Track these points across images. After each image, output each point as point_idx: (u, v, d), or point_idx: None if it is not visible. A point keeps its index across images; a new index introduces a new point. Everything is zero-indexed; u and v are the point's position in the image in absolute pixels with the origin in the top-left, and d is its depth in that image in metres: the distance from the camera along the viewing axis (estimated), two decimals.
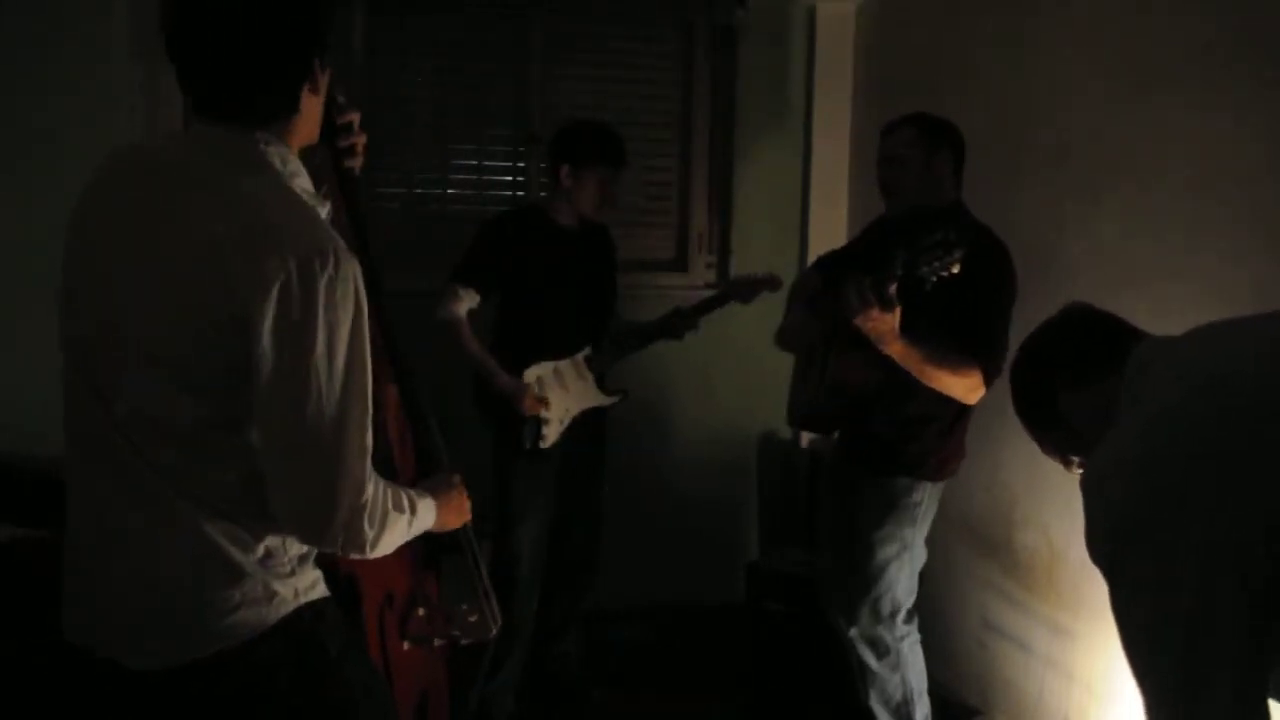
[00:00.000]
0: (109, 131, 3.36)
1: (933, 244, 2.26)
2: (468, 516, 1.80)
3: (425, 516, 1.59)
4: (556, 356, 3.14)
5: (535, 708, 3.32)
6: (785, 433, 4.17)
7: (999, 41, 3.17)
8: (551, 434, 3.12)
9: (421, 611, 1.93)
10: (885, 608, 2.70)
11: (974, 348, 2.49)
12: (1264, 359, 1.40)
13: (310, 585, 1.51)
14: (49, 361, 3.53)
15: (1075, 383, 1.58)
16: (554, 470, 3.18)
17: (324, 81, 1.49)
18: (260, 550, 1.44)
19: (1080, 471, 1.58)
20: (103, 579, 1.47)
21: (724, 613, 3.69)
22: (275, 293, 1.32)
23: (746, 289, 3.31)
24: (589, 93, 3.97)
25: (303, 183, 1.48)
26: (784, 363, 4.28)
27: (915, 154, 2.65)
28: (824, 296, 2.76)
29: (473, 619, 1.98)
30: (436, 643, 1.98)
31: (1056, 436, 1.65)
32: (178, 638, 1.43)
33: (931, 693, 2.83)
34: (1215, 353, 1.45)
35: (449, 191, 4.02)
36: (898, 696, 2.75)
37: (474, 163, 4.04)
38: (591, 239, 3.24)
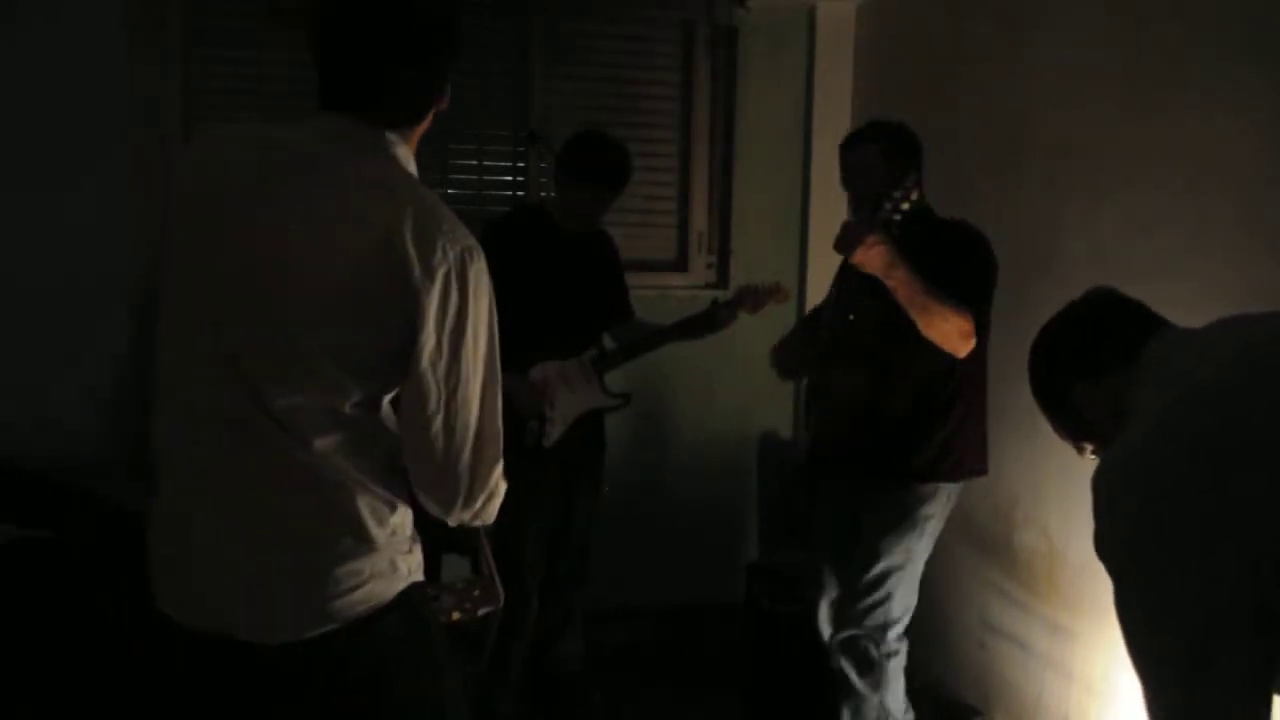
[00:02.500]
0: (109, 130, 3.37)
1: (888, 192, 2.46)
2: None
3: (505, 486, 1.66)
4: (557, 357, 3.14)
5: (535, 708, 3.32)
6: (785, 433, 4.17)
7: (999, 41, 3.16)
8: (554, 433, 3.12)
9: (429, 590, 1.96)
10: (878, 618, 2.66)
11: (962, 301, 2.49)
12: (1269, 357, 1.40)
13: (418, 564, 1.57)
14: (48, 362, 3.52)
15: (1090, 375, 1.57)
16: (554, 470, 3.18)
17: (448, 100, 1.57)
18: (390, 525, 1.50)
19: (1092, 457, 1.58)
20: (233, 558, 1.47)
21: (724, 613, 3.69)
22: (439, 281, 1.40)
23: (753, 299, 3.31)
24: (589, 92, 3.97)
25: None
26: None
27: (878, 170, 2.65)
28: (813, 325, 2.81)
29: (477, 592, 2.02)
30: (455, 616, 2.01)
31: (1069, 423, 1.64)
32: (307, 611, 1.46)
33: (931, 692, 2.82)
34: (1225, 350, 1.45)
35: (449, 191, 4.01)
36: (872, 716, 2.70)
37: (474, 163, 4.04)
38: (591, 242, 3.24)
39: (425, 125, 1.57)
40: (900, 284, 2.43)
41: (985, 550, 3.11)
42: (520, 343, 3.10)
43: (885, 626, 2.67)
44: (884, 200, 2.45)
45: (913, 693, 2.79)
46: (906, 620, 2.70)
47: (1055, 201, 2.88)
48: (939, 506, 2.65)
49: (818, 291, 4.05)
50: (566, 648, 3.38)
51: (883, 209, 2.44)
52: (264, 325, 1.43)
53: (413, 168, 1.54)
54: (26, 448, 3.07)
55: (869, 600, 2.66)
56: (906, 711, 2.74)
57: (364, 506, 1.47)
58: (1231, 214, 2.31)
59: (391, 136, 1.51)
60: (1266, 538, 1.26)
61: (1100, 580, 1.41)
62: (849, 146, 2.73)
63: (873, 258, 2.41)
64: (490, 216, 3.40)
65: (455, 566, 2.89)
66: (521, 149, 3.95)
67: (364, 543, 1.47)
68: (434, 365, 1.42)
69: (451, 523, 1.54)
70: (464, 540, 2.01)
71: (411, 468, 1.48)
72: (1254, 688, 1.31)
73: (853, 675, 2.70)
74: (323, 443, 1.44)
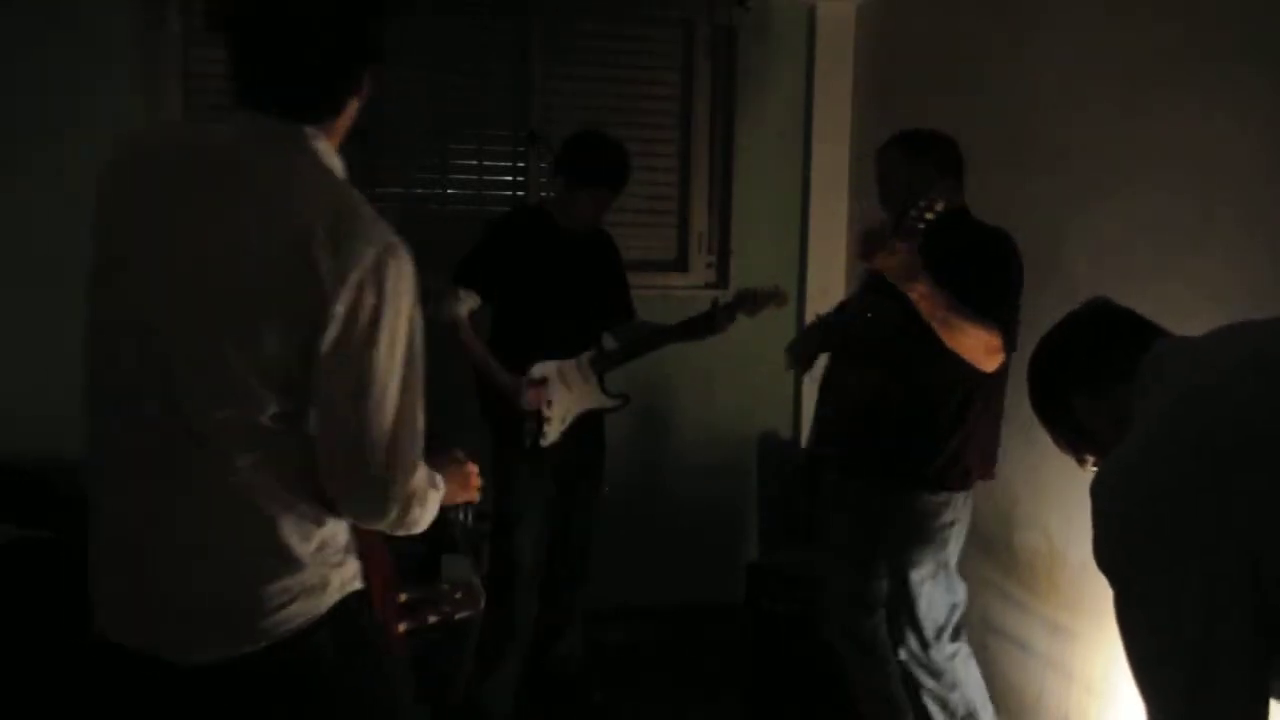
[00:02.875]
0: (109, 128, 3.36)
1: (914, 197, 2.37)
2: (473, 495, 1.81)
3: (442, 491, 1.61)
4: (556, 357, 3.15)
5: (535, 708, 3.32)
6: (785, 433, 4.17)
7: (999, 41, 3.16)
8: (552, 432, 3.12)
9: (404, 596, 1.95)
10: (928, 630, 2.65)
11: (991, 315, 2.45)
12: (1266, 367, 1.39)
13: (354, 575, 1.54)
14: (48, 362, 3.53)
15: (1090, 388, 1.58)
16: (553, 470, 3.18)
17: (367, 90, 1.53)
18: (317, 540, 1.47)
19: (1093, 470, 1.58)
20: (159, 578, 1.46)
21: (724, 613, 3.69)
22: (352, 284, 1.35)
23: (752, 303, 3.31)
24: (589, 92, 3.97)
25: (345, 176, 1.51)
26: (783, 363, 4.27)
27: (901, 172, 2.65)
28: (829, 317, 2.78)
29: (458, 595, 2.00)
30: (431, 619, 2.00)
31: (1070, 434, 1.64)
32: (238, 631, 1.44)
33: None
34: (1226, 356, 1.45)
35: (449, 191, 4.02)
36: (961, 711, 2.71)
37: (474, 163, 4.04)
38: (593, 242, 3.24)
39: (348, 117, 1.53)
40: (921, 296, 2.37)
41: (985, 550, 3.11)
42: (519, 342, 3.12)
43: (939, 634, 2.66)
44: (910, 207, 2.38)
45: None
46: (957, 618, 2.70)
47: (1055, 201, 2.87)
48: (957, 510, 2.63)
49: (818, 291, 4.06)
50: (566, 648, 3.38)
51: (908, 216, 2.37)
52: (179, 334, 1.40)
53: (335, 163, 1.50)
54: (26, 448, 3.07)
55: (914, 616, 2.65)
56: (985, 705, 2.75)
57: (286, 525, 1.43)
58: (1231, 214, 2.31)
59: (310, 130, 1.46)
60: (1267, 537, 1.26)
61: (1100, 580, 1.41)
62: (879, 154, 2.73)
63: (891, 267, 2.36)
64: (490, 216, 3.40)
65: (455, 567, 2.90)
66: (521, 149, 3.94)
67: (288, 561, 1.44)
68: (342, 371, 1.38)
69: (375, 526, 1.51)
70: (460, 540, 1.99)
71: (324, 475, 1.43)
72: (1256, 691, 1.31)
73: (930, 683, 2.69)
74: (243, 459, 1.40)
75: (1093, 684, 2.69)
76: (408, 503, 1.47)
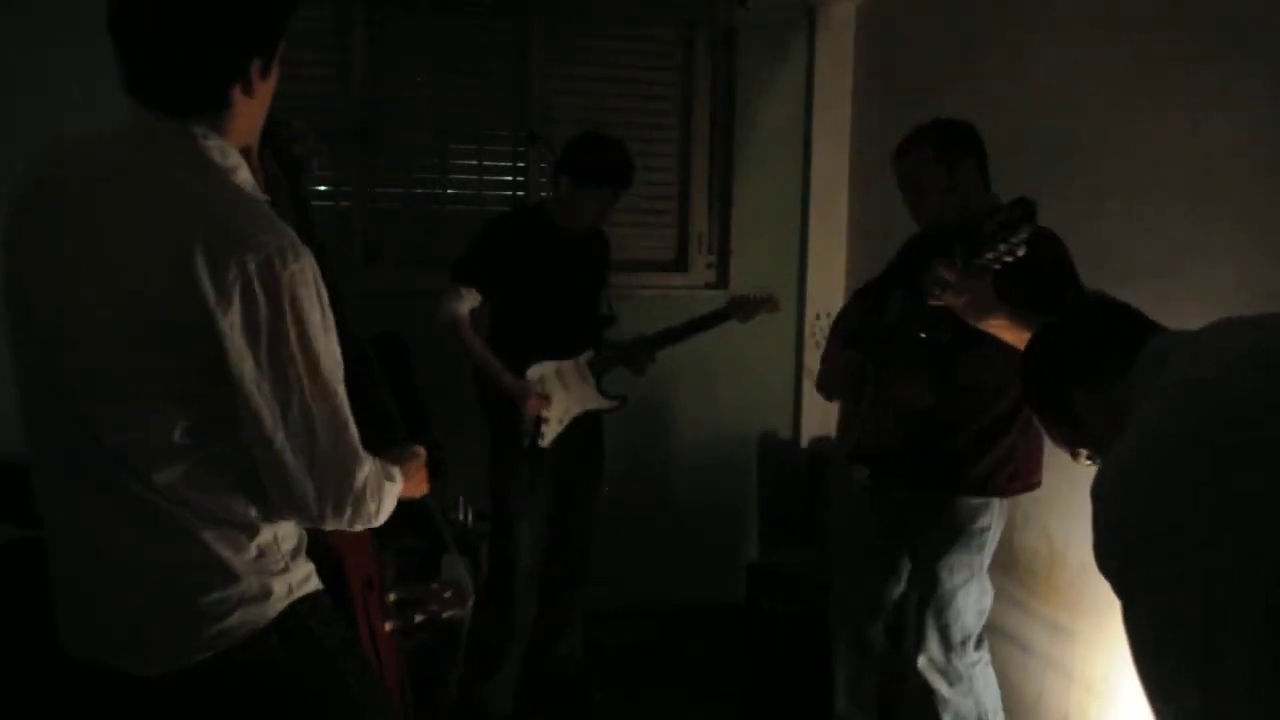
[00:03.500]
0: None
1: (993, 229, 2.12)
2: (426, 488, 1.78)
3: (399, 483, 1.60)
4: (554, 357, 3.15)
5: (535, 708, 3.32)
6: (785, 433, 4.17)
7: (999, 42, 3.16)
8: (550, 433, 3.12)
9: (393, 596, 1.95)
10: (956, 636, 2.62)
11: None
12: (1265, 361, 1.39)
13: (303, 579, 1.53)
14: None
15: (1087, 382, 1.57)
16: (552, 470, 3.18)
17: (264, 87, 1.44)
18: (253, 550, 1.45)
19: (1088, 463, 1.58)
20: (98, 594, 1.47)
21: (724, 613, 3.69)
22: (238, 296, 1.32)
23: (745, 309, 3.32)
24: (589, 92, 3.97)
25: (244, 175, 1.45)
26: (784, 364, 4.27)
27: (936, 174, 2.50)
28: (873, 318, 2.65)
29: (447, 594, 2.00)
30: (418, 619, 1.99)
31: (1066, 430, 1.64)
32: (178, 644, 1.44)
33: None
34: (1225, 351, 1.44)
35: (449, 191, 4.01)
36: (971, 717, 2.69)
37: (474, 163, 4.04)
38: (591, 243, 3.24)
39: (248, 111, 1.44)
40: (1001, 329, 2.22)
41: None
42: (517, 342, 3.12)
43: (964, 641, 2.63)
44: (976, 238, 2.13)
45: (913, 692, 2.79)
46: (982, 624, 2.67)
47: (1055, 201, 2.87)
48: (994, 517, 2.58)
49: (817, 291, 4.07)
50: (566, 648, 3.38)
51: (984, 257, 2.12)
52: (78, 355, 1.38)
53: (232, 160, 1.42)
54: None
55: (942, 621, 2.61)
56: (996, 713, 2.71)
57: (215, 539, 1.42)
58: (1231, 214, 2.31)
59: (199, 129, 1.39)
60: (1267, 533, 1.26)
61: (1101, 581, 1.41)
62: (903, 151, 2.56)
63: (967, 304, 2.21)
64: (488, 217, 3.40)
65: (454, 568, 2.90)
66: (521, 149, 3.95)
67: (222, 574, 1.43)
68: (258, 385, 1.34)
69: (328, 528, 1.49)
70: (460, 539, 1.99)
71: (268, 488, 1.42)
72: (1265, 689, 1.30)
73: (944, 689, 2.65)
74: (162, 476, 1.38)
75: (1093, 684, 2.69)
76: (359, 499, 1.46)
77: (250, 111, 1.45)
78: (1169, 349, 1.49)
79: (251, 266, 1.32)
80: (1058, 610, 2.85)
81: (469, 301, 3.04)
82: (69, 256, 1.39)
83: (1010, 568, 3.05)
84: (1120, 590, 1.38)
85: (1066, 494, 2.71)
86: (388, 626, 1.93)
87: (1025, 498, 2.94)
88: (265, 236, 1.35)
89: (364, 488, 1.46)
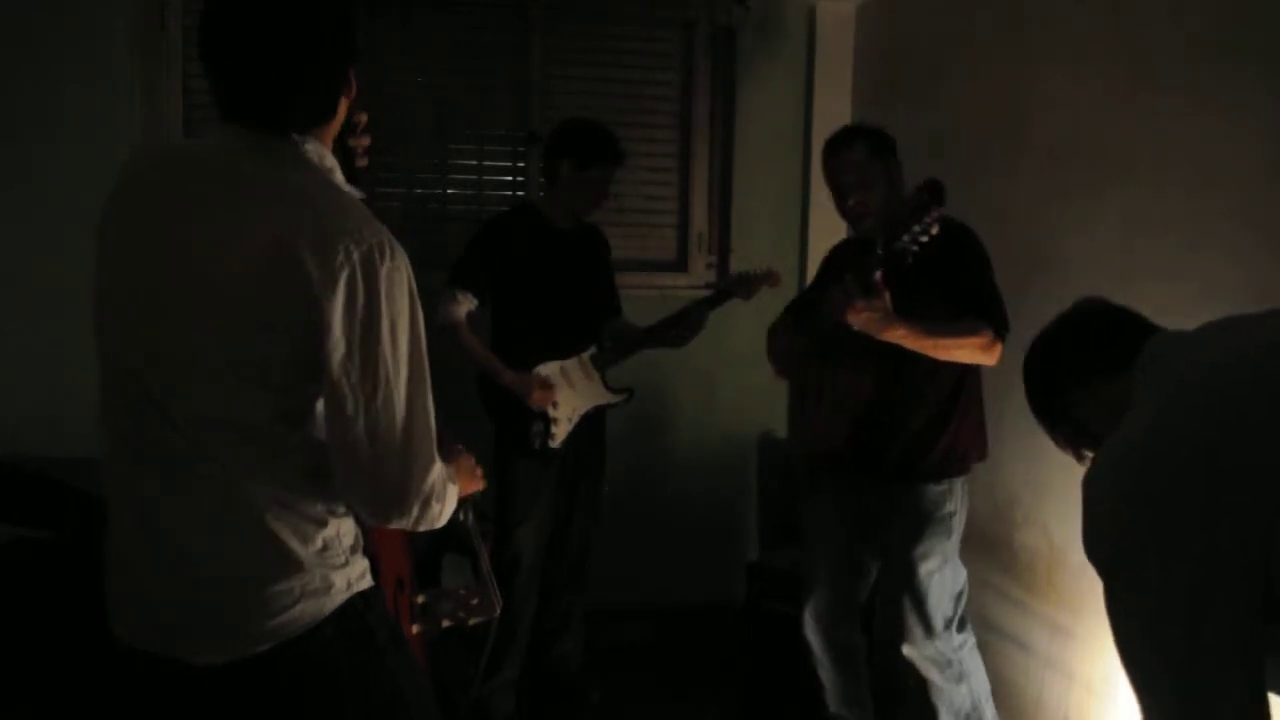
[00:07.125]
0: (109, 129, 3.37)
1: (905, 215, 2.26)
2: (481, 483, 1.84)
3: (457, 485, 1.62)
4: (556, 356, 3.15)
5: (535, 708, 3.32)
6: (784, 433, 4.17)
7: (999, 41, 3.16)
8: (560, 433, 3.13)
9: (421, 598, 1.95)
10: (937, 622, 2.64)
11: (976, 310, 2.45)
12: (1261, 357, 1.40)
13: (360, 575, 1.54)
14: (48, 363, 3.52)
15: (1087, 383, 1.58)
16: (557, 470, 3.18)
17: (355, 87, 1.53)
18: (319, 542, 1.47)
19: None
20: (162, 580, 1.47)
21: (724, 613, 3.69)
22: (343, 286, 1.36)
23: (746, 285, 3.32)
24: (589, 93, 3.97)
25: (339, 177, 1.52)
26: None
27: (875, 171, 2.61)
28: (808, 314, 2.70)
29: (475, 601, 2.00)
30: (445, 624, 2.00)
31: (1067, 431, 1.65)
32: (241, 633, 1.45)
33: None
34: (1222, 350, 1.45)
35: (449, 191, 4.02)
36: (966, 706, 2.70)
37: (474, 163, 4.04)
38: (585, 239, 3.25)
39: (339, 119, 1.54)
40: (902, 338, 2.37)
41: (985, 550, 3.11)
42: (520, 342, 3.12)
43: (947, 625, 2.65)
44: (897, 226, 2.29)
45: (913, 692, 2.79)
46: (962, 606, 2.68)
47: (1055, 201, 2.87)
48: (956, 500, 2.64)
49: None
50: (566, 648, 3.38)
51: (901, 241, 2.27)
52: (170, 344, 1.42)
53: (328, 161, 1.50)
54: (26, 448, 3.07)
55: (923, 610, 2.63)
56: (988, 699, 2.73)
57: (285, 527, 1.44)
58: (1231, 214, 2.31)
59: (298, 137, 1.47)
60: (1256, 531, 1.26)
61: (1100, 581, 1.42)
62: (836, 149, 2.67)
63: (864, 323, 2.35)
64: (485, 217, 3.40)
65: (455, 567, 2.90)
66: (521, 149, 3.95)
67: (290, 564, 1.45)
68: (346, 372, 1.38)
69: (391, 525, 1.51)
70: (461, 541, 1.99)
71: (337, 477, 1.44)
72: (1249, 684, 1.30)
73: (936, 678, 2.66)
74: (239, 462, 1.42)
75: (1093, 684, 2.69)
76: (428, 499, 1.47)
77: (343, 113, 1.54)
78: (1168, 349, 1.49)
79: (357, 255, 1.37)
80: (1058, 610, 2.85)
81: (466, 305, 3.04)
82: (178, 246, 1.42)
83: (1010, 568, 3.05)
84: (1106, 580, 1.39)
85: (1067, 493, 2.71)
86: (415, 629, 1.93)
87: (1025, 498, 2.95)
88: (367, 230, 1.40)
89: (432, 489, 1.47)
